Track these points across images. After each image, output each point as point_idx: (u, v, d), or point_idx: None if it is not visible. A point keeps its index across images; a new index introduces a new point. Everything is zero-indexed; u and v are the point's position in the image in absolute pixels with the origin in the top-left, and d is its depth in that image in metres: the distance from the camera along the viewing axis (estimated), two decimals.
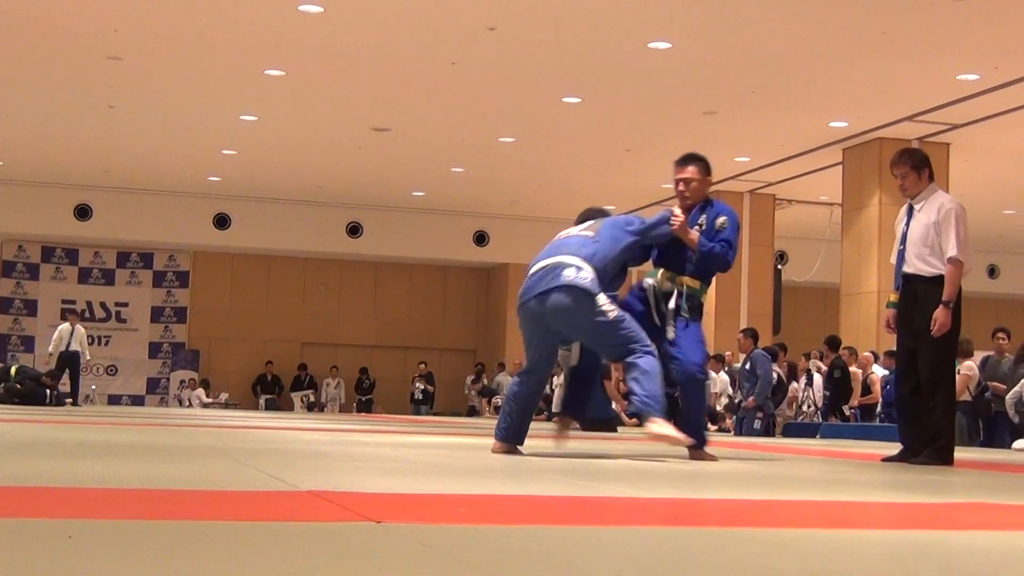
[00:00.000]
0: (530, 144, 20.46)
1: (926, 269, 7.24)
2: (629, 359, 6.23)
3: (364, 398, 28.48)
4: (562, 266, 6.30)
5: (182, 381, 27.57)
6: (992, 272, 30.14)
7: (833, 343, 17.34)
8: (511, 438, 6.54)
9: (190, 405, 26.39)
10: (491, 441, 6.64)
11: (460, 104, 17.96)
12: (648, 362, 6.20)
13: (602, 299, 6.23)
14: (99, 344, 26.66)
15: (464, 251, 28.25)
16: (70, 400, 20.76)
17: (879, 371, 16.92)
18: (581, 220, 6.85)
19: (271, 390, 28.00)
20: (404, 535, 2.57)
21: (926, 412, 7.20)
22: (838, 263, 19.97)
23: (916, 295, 7.27)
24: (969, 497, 4.64)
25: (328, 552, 2.28)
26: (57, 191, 25.56)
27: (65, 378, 21.15)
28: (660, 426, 6.13)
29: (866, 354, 17.42)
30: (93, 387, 26.07)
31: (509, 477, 4.72)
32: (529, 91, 17.07)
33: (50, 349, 21.50)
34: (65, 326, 21.49)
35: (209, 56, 16.00)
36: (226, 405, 26.72)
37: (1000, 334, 14.14)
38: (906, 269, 7.32)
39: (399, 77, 16.61)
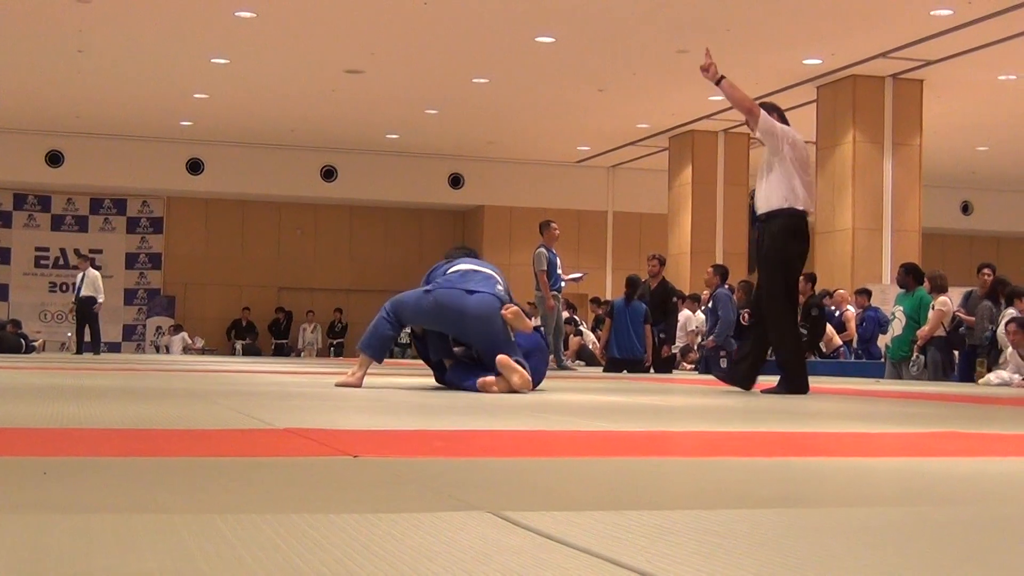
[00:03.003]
0: (504, 85, 20.36)
1: (763, 207, 7.67)
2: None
3: (335, 341, 28.44)
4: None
5: (158, 327, 27.50)
6: (966, 209, 30.25)
7: (811, 279, 17.32)
8: None
9: (168, 351, 26.35)
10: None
11: (433, 45, 17.84)
12: None
13: None
14: (73, 291, 26.51)
15: (439, 193, 28.17)
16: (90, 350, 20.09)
17: (853, 309, 17.01)
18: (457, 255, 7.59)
19: (243, 336, 27.89)
20: (381, 468, 2.58)
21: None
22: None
23: (760, 234, 7.75)
24: (941, 427, 4.68)
25: (306, 484, 2.28)
26: (28, 137, 25.34)
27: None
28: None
29: (840, 291, 17.51)
30: (68, 334, 25.99)
31: (486, 414, 4.74)
32: (502, 31, 16.97)
33: (73, 298, 21.12)
34: (80, 273, 20.75)
35: None
36: (203, 351, 26.68)
37: (985, 270, 14.19)
38: (756, 212, 7.82)
39: (371, 18, 16.48)
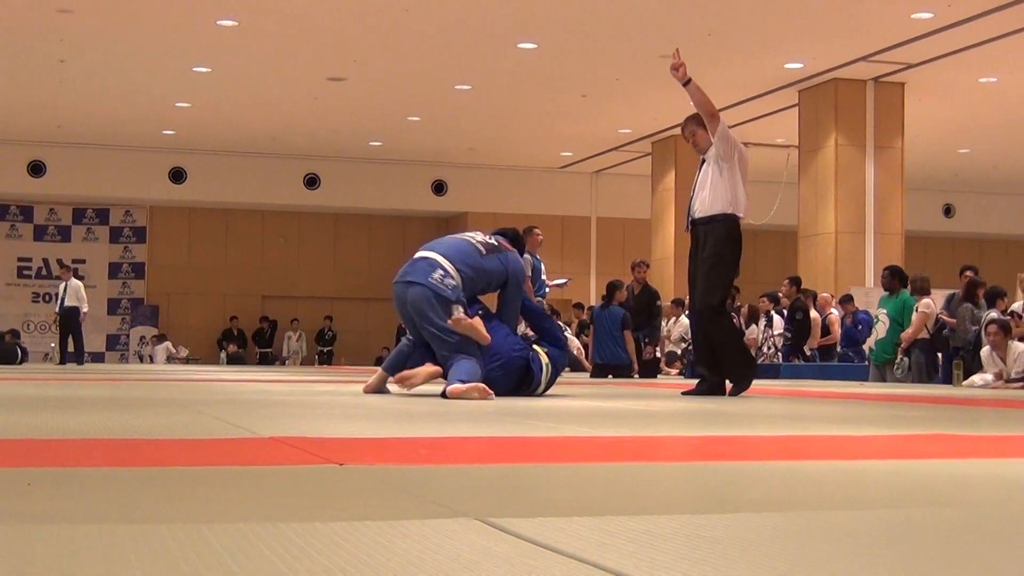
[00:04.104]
0: (486, 91, 20.37)
1: (705, 211, 7.77)
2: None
3: (325, 349, 28.41)
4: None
5: (142, 337, 27.42)
6: (948, 211, 30.35)
7: (796, 282, 17.32)
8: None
9: (151, 361, 26.26)
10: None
11: (415, 52, 17.84)
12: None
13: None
14: (56, 302, 26.40)
15: (423, 200, 28.16)
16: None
17: (837, 312, 17.04)
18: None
19: (233, 344, 27.85)
20: (367, 475, 2.57)
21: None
22: (795, 205, 20.05)
23: (698, 237, 7.83)
24: (926, 429, 4.69)
25: (292, 492, 2.27)
26: (10, 148, 25.26)
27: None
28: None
29: (824, 295, 17.53)
30: (52, 345, 25.89)
31: (471, 421, 4.73)
32: (484, 38, 16.98)
33: (56, 309, 20.88)
34: (62, 283, 20.56)
35: (160, 7, 15.81)
36: (187, 360, 26.61)
37: (968, 272, 14.23)
38: (693, 216, 7.88)
39: (353, 25, 16.47)
